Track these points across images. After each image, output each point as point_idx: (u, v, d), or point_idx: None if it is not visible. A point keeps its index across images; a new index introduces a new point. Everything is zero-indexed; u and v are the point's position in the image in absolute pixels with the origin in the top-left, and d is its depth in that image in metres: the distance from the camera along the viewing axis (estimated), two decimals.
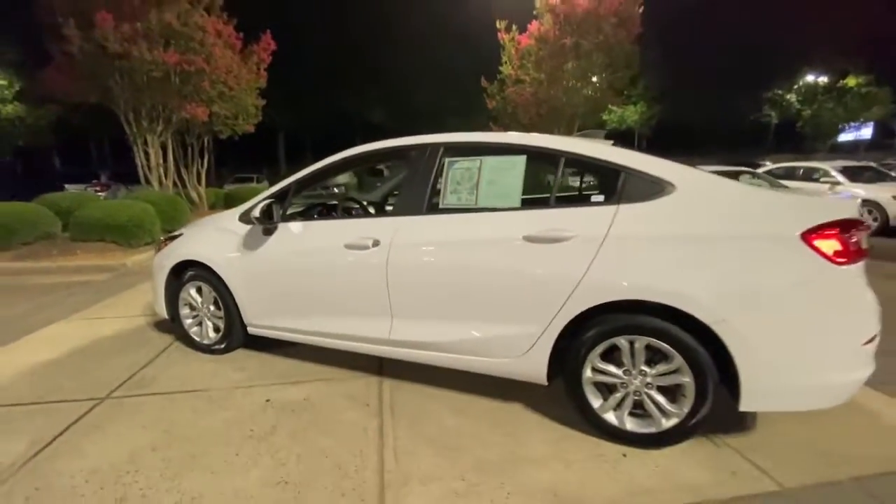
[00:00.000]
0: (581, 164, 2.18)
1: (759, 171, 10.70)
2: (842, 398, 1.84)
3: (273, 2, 25.93)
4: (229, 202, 13.13)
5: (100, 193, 11.95)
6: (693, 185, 1.94)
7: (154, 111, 9.10)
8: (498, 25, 12.47)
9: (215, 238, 2.92)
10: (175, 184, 10.85)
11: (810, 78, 31.64)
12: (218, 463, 1.92)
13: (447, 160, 2.36)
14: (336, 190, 10.96)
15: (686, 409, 1.88)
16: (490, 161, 2.28)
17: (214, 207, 12.63)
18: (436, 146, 2.41)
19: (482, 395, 2.43)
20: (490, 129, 13.86)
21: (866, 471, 1.82)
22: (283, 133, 33.85)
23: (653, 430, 1.95)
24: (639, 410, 1.98)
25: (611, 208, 1.99)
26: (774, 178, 9.95)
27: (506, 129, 13.01)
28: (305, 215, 3.05)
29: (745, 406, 1.83)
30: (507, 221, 2.14)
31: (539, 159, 2.24)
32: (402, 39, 33.21)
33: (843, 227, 1.72)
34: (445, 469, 1.86)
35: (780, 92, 33.27)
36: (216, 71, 9.05)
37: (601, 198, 2.11)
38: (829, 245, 1.70)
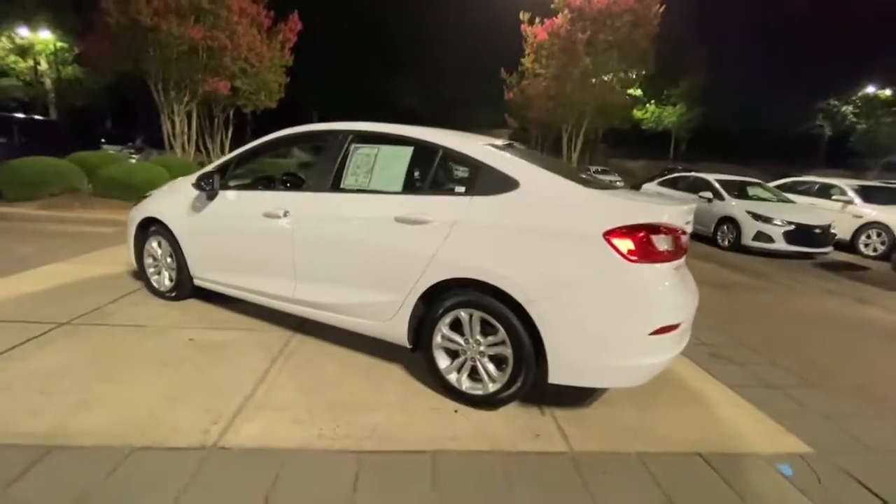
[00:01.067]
0: (454, 159, 2.46)
1: (774, 183, 10.44)
2: (637, 380, 2.10)
3: None
4: None
5: (134, 155, 12.94)
6: (533, 183, 2.20)
7: (182, 83, 9.80)
8: (521, 17, 12.49)
9: (172, 199, 3.39)
10: (200, 151, 11.61)
11: (871, 89, 29.56)
12: (127, 377, 2.37)
13: (353, 146, 2.69)
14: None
15: (507, 377, 2.18)
16: (385, 149, 2.61)
17: None
18: (346, 133, 2.75)
19: (369, 355, 2.79)
20: (505, 121, 13.94)
21: (656, 449, 2.07)
22: (316, 111, 34.81)
23: (480, 392, 2.26)
24: (475, 375, 2.29)
25: (465, 199, 2.28)
26: (787, 191, 9.74)
27: (519, 121, 13.08)
28: (248, 186, 3.43)
29: (552, 379, 2.11)
30: (386, 203, 2.46)
31: (423, 151, 2.54)
32: (435, 27, 33.32)
33: (640, 229, 1.95)
34: (300, 404, 2.24)
35: (836, 102, 31.31)
36: (238, 48, 9.62)
37: (462, 189, 2.39)
38: (624, 244, 1.94)
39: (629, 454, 2.02)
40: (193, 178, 3.31)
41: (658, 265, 2.02)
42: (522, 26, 12.69)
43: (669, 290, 2.07)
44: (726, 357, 3.23)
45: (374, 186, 2.56)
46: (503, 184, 2.23)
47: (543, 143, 14.01)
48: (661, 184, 11.30)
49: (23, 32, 21.50)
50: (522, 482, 1.80)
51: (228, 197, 3.07)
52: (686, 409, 2.46)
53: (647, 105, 32.83)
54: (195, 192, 3.21)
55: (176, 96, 10.00)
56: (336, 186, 2.67)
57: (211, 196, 3.11)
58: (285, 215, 2.73)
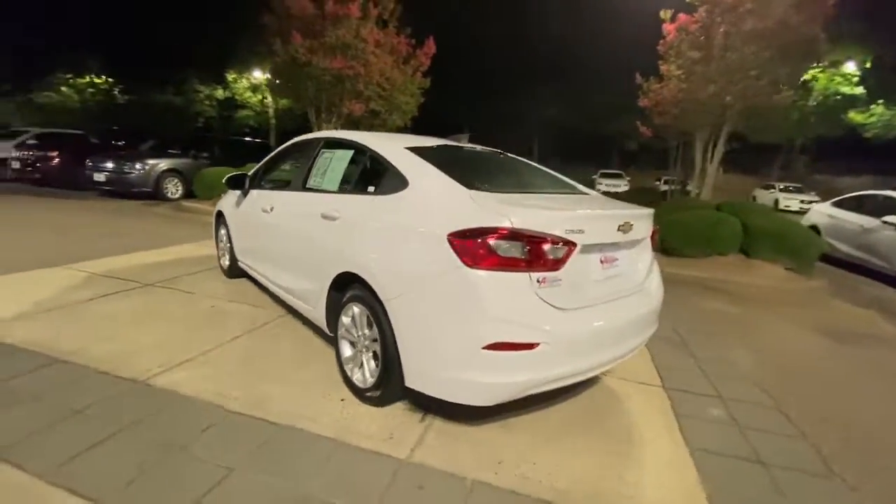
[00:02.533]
0: (375, 160, 2.54)
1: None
2: (481, 399, 1.90)
3: (450, 6, 28.31)
4: None
5: None
6: (419, 182, 2.18)
7: (330, 107, 11.73)
8: (662, 16, 11.22)
9: (229, 196, 4.25)
10: None
11: None
12: (148, 326, 3.13)
13: (321, 151, 3.03)
14: None
15: (377, 375, 2.19)
16: (337, 153, 2.87)
17: None
18: (319, 140, 3.11)
19: (327, 340, 3.06)
20: (637, 129, 12.70)
21: (500, 483, 1.83)
22: (468, 126, 36.98)
23: (361, 385, 2.31)
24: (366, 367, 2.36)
25: (370, 198, 2.39)
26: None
27: (652, 129, 11.75)
28: (263, 186, 3.98)
29: (407, 382, 2.06)
30: (321, 200, 2.72)
31: (359, 153, 2.71)
32: (577, 36, 31.98)
33: (480, 233, 1.78)
34: (229, 366, 2.65)
35: None
36: (370, 74, 11.04)
37: (373, 189, 2.47)
38: (463, 248, 1.81)
39: (464, 479, 1.84)
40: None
41: (500, 273, 1.81)
42: (664, 25, 11.41)
43: (517, 303, 1.83)
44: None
45: (323, 186, 2.85)
46: (398, 183, 2.27)
47: (684, 154, 12.29)
48: (838, 205, 8.90)
49: (256, 74, 28.14)
50: (327, 471, 1.83)
51: (252, 195, 3.74)
52: (598, 457, 2.05)
53: (875, 106, 25.63)
54: (238, 192, 3.98)
55: (326, 118, 12.02)
56: (304, 186, 3.04)
57: (244, 194, 3.82)
58: (271, 210, 3.22)
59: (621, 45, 30.10)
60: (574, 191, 2.73)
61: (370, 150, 2.60)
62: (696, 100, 9.16)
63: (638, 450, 2.13)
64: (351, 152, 2.75)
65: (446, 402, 1.98)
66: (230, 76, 31.91)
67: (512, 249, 1.80)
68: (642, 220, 2.35)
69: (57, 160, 11.00)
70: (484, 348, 1.78)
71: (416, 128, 13.88)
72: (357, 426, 2.14)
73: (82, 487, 1.65)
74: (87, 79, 35.24)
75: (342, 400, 2.37)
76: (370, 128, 13.12)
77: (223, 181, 3.91)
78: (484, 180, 2.25)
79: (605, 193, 3.52)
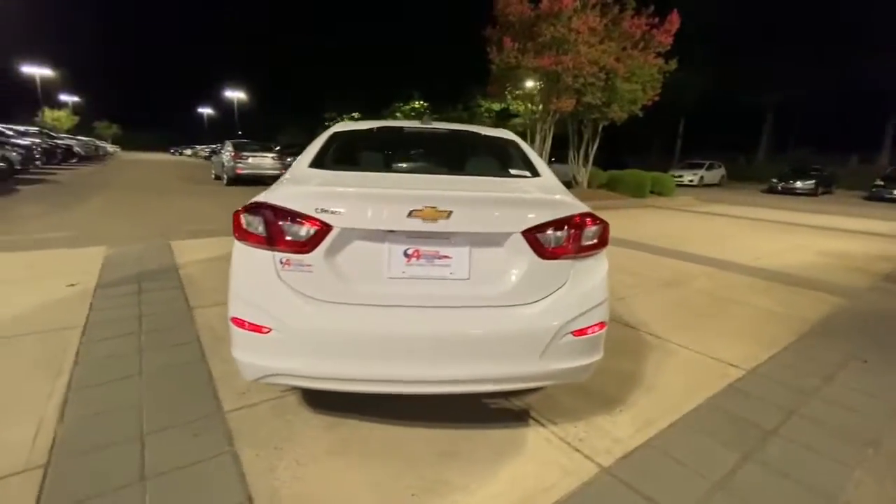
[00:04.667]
0: None
1: None
2: (242, 374, 1.80)
3: None
4: (612, 185, 14.31)
5: None
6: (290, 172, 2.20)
7: (544, 106, 11.68)
8: None
9: None
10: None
11: None
12: None
13: None
14: None
15: None
16: None
17: (594, 187, 14.24)
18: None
19: None
20: None
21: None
22: (771, 113, 28.78)
23: None
24: None
25: None
26: None
27: None
28: None
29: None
30: None
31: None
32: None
33: (250, 207, 1.71)
34: None
35: None
36: (579, 66, 10.28)
37: None
38: (236, 221, 1.76)
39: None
40: None
41: (249, 248, 1.70)
42: None
43: (255, 282, 1.66)
44: None
45: None
46: None
47: None
48: None
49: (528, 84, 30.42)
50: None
51: None
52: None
53: None
54: None
55: (541, 117, 12.07)
56: None
57: None
58: None
59: None
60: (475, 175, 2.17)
61: None
62: None
63: None
64: None
65: None
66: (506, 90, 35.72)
67: (255, 224, 1.67)
68: (493, 207, 1.68)
69: None
70: (231, 321, 1.74)
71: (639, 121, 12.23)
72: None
73: None
74: (411, 105, 46.35)
75: None
76: (601, 122, 12.34)
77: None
78: (363, 161, 2.18)
79: None
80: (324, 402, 2.12)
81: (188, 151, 48.04)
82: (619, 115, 11.75)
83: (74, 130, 38.30)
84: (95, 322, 2.99)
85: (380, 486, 1.65)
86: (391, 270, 1.65)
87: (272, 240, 1.66)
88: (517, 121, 36.28)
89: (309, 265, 1.64)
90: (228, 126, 52.32)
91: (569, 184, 14.87)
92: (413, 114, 45.74)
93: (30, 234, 5.74)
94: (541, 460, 1.83)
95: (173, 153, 50.64)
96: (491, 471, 1.75)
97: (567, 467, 1.79)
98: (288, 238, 1.64)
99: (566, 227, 1.69)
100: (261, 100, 63.72)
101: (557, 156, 14.81)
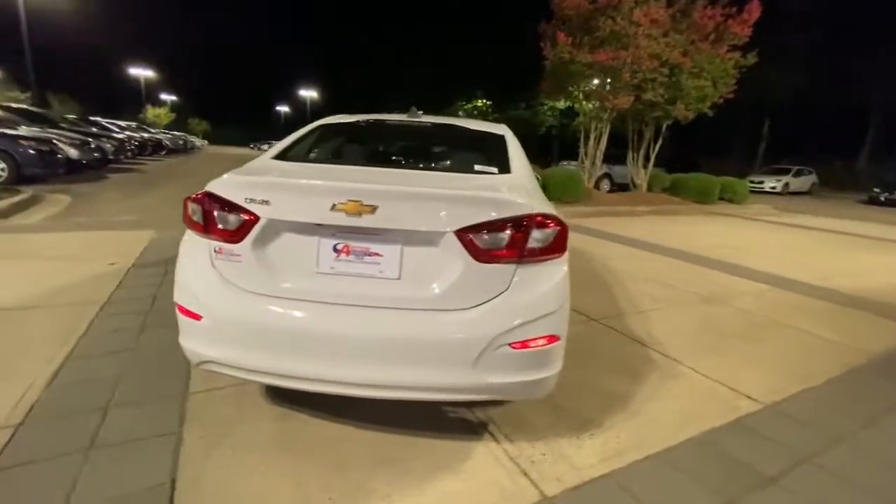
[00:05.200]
0: None
1: None
2: (190, 359, 1.84)
3: None
4: (675, 189, 13.30)
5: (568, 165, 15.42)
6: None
7: (599, 103, 11.06)
8: None
9: None
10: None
11: None
12: None
13: None
14: None
15: None
16: None
17: (656, 190, 13.30)
18: None
19: None
20: None
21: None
22: (880, 114, 25.19)
23: None
24: None
25: None
26: None
27: None
28: None
29: None
30: None
31: None
32: None
33: (199, 197, 1.74)
34: None
35: None
36: (638, 60, 9.57)
37: None
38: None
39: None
40: None
41: (192, 236, 1.74)
42: None
43: (193, 269, 1.68)
44: None
45: None
46: None
47: None
48: None
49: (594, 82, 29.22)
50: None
51: None
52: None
53: None
54: None
55: (596, 114, 11.46)
56: None
57: None
58: None
59: None
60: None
61: None
62: None
63: None
64: None
65: None
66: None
67: (196, 212, 1.70)
68: (424, 203, 1.56)
69: None
70: (178, 308, 1.78)
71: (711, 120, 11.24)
72: None
73: None
74: (473, 103, 46.53)
75: None
76: (651, 122, 11.57)
77: None
78: (333, 154, 2.17)
79: None
80: (284, 393, 2.12)
81: (265, 146, 51.68)
82: (684, 113, 10.84)
83: (171, 126, 42.58)
84: (117, 299, 3.24)
85: (302, 485, 1.61)
86: (320, 266, 1.60)
87: (207, 227, 1.67)
88: (581, 119, 35.14)
89: (238, 255, 1.63)
90: (302, 123, 55.54)
91: (626, 186, 14.02)
92: (475, 112, 45.80)
93: (102, 216, 6.41)
94: (481, 479, 1.70)
95: (252, 148, 54.64)
96: (422, 484, 1.65)
97: (507, 491, 1.64)
98: (220, 226, 1.65)
99: (508, 229, 1.54)
100: (330, 98, 66.89)
101: (618, 157, 14.02)
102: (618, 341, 3.07)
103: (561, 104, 39.36)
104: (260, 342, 1.60)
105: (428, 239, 1.55)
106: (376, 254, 1.58)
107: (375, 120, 2.68)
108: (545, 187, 9.56)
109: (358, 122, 2.63)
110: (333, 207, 1.52)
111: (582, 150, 12.10)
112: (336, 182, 1.59)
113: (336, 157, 2.31)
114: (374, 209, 1.50)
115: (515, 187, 1.75)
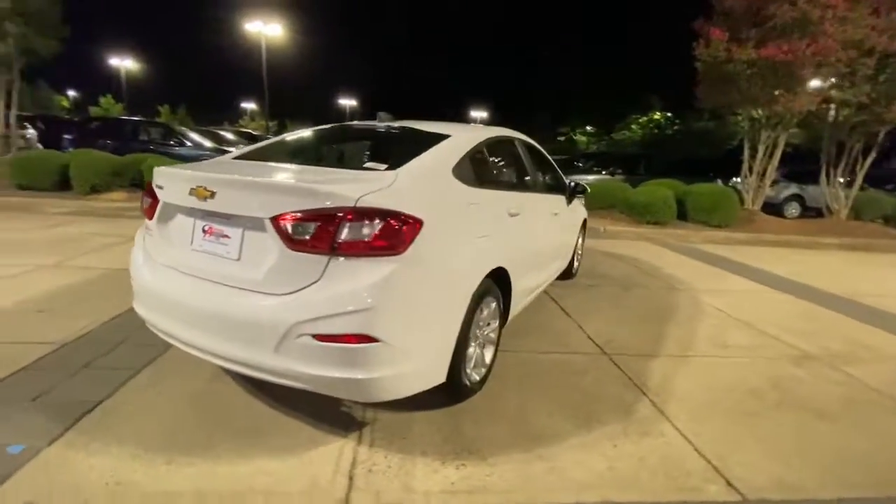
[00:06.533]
0: None
1: None
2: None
3: None
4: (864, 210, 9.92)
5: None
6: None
7: (766, 108, 8.93)
8: None
9: None
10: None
11: None
12: None
13: None
14: None
15: None
16: None
17: (866, 219, 10.07)
18: None
19: None
20: None
21: None
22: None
23: None
24: None
25: None
26: None
27: None
28: None
29: None
30: None
31: None
32: None
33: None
34: None
35: None
36: (824, 51, 7.30)
37: None
38: None
39: None
40: None
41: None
42: None
43: (137, 243, 2.09)
44: None
45: None
46: None
47: None
48: None
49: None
50: None
51: None
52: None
53: None
54: None
55: (766, 123, 9.31)
56: None
57: None
58: None
59: None
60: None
61: None
62: None
63: None
64: None
65: None
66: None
67: (147, 199, 2.08)
68: (247, 190, 1.69)
69: None
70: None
71: None
72: None
73: None
74: (650, 116, 42.94)
75: None
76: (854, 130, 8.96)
77: None
78: (290, 155, 2.48)
79: None
80: None
81: None
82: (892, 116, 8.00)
83: None
84: None
85: (176, 432, 1.89)
86: (194, 244, 1.85)
87: (142, 208, 2.09)
88: (743, 126, 28.89)
89: (151, 231, 2.01)
90: None
91: (819, 212, 10.92)
92: (651, 126, 41.89)
93: None
94: (307, 468, 1.70)
95: None
96: (255, 454, 1.74)
97: (318, 484, 1.62)
98: (144, 207, 2.06)
99: (320, 220, 1.53)
100: (499, 117, 69.78)
101: (815, 174, 10.98)
102: (608, 380, 2.57)
103: (757, 112, 33.42)
104: (156, 305, 1.95)
105: (259, 225, 1.66)
106: (226, 236, 1.76)
107: (340, 126, 2.89)
108: (681, 205, 8.30)
109: (323, 128, 2.86)
110: (191, 192, 1.77)
111: (745, 165, 9.97)
112: (195, 171, 1.85)
113: (265, 157, 2.45)
114: (213, 194, 1.70)
115: (371, 181, 1.72)
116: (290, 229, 1.58)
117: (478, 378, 2.26)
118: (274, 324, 1.57)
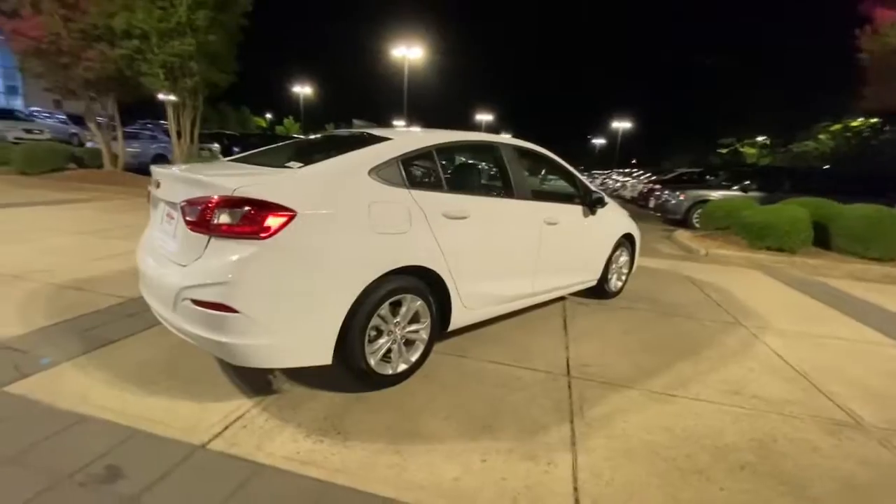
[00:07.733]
0: None
1: None
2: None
3: None
4: None
5: None
6: None
7: None
8: None
9: None
10: None
11: None
12: None
13: None
14: None
15: None
16: None
17: None
18: None
19: None
20: None
21: None
22: None
23: None
24: None
25: None
26: None
27: None
28: None
29: None
30: None
31: None
32: None
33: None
34: None
35: None
36: None
37: None
38: None
39: None
40: None
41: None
42: None
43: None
44: None
45: None
46: None
47: None
48: None
49: None
50: None
51: None
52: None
53: None
54: None
55: None
56: None
57: None
58: None
59: None
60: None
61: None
62: None
63: None
64: None
65: None
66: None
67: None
68: (172, 182, 2.14)
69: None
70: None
71: None
72: None
73: None
74: (846, 123, 35.47)
75: None
76: None
77: None
78: (260, 157, 2.87)
79: None
80: None
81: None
82: None
83: None
84: None
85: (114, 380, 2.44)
86: (162, 225, 2.35)
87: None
88: None
89: (151, 214, 2.60)
90: (613, 154, 55.78)
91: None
92: (848, 135, 34.34)
93: None
94: (188, 414, 2.02)
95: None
96: (151, 396, 2.17)
97: (186, 426, 1.92)
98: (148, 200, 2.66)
99: (204, 205, 1.86)
100: (645, 129, 64.18)
101: None
102: (542, 400, 2.39)
103: None
104: (142, 279, 2.52)
105: (178, 209, 2.07)
106: (171, 217, 2.21)
107: (324, 134, 3.23)
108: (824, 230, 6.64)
109: (311, 137, 3.25)
110: (157, 186, 2.28)
111: None
112: (159, 168, 2.36)
113: (244, 160, 2.81)
114: (158, 184, 2.20)
115: (266, 176, 2.03)
116: (188, 213, 1.97)
117: (395, 371, 2.37)
118: (170, 287, 1.97)
